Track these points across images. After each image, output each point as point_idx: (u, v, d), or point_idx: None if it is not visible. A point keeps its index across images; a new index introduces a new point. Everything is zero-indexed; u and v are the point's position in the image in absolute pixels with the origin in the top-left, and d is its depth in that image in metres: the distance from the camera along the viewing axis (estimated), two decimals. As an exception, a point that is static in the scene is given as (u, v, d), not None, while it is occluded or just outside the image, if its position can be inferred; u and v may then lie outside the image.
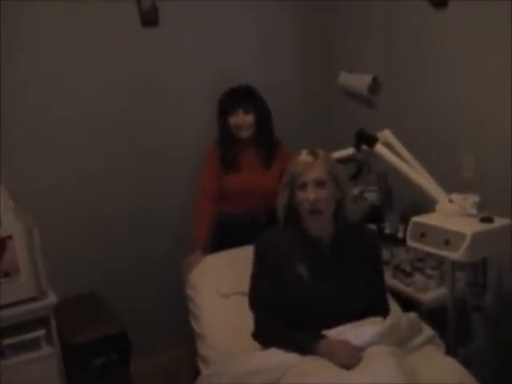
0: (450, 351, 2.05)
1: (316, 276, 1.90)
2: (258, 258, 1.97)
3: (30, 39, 2.58)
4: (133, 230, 2.93)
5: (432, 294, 2.33)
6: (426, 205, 2.22)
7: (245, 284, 2.00)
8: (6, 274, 2.11)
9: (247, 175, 2.67)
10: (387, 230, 2.68)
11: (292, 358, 1.79)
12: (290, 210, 1.95)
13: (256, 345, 1.95)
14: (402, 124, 2.61)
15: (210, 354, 2.16)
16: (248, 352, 1.92)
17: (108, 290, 2.74)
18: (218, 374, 1.90)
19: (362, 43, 3.00)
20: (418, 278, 2.39)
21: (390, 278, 2.43)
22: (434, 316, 2.21)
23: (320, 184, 1.87)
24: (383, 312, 1.96)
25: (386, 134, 2.36)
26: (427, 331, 1.96)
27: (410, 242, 2.11)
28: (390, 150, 2.29)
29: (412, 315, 1.96)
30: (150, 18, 2.80)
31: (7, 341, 2.15)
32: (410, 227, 2.11)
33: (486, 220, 1.99)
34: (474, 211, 2.04)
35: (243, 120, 2.65)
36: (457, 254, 1.92)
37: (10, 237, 2.11)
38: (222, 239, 2.67)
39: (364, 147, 2.34)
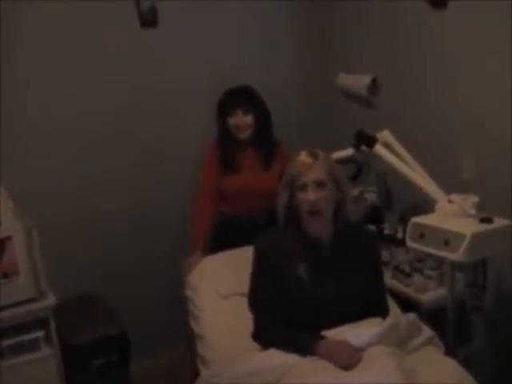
0: (450, 352, 2.05)
1: (316, 277, 1.90)
2: (257, 259, 1.97)
3: (30, 39, 2.59)
4: (133, 230, 2.93)
5: (431, 294, 2.33)
6: (425, 205, 2.22)
7: (244, 285, 2.00)
8: (6, 275, 2.12)
9: (246, 176, 2.67)
10: (387, 231, 2.68)
11: (292, 358, 1.79)
12: (289, 211, 1.95)
13: (256, 345, 1.94)
14: (401, 124, 2.61)
15: (210, 355, 2.16)
16: (248, 353, 1.92)
17: (108, 291, 2.74)
18: (218, 375, 1.90)
19: (361, 44, 3.00)
20: (417, 278, 2.39)
21: (389, 279, 2.43)
22: (434, 317, 2.21)
23: (320, 185, 1.87)
24: (383, 313, 1.96)
25: (385, 135, 2.36)
26: (426, 332, 1.96)
27: (410, 243, 2.12)
28: (390, 151, 2.29)
29: (411, 316, 1.96)
30: (148, 19, 2.80)
31: (6, 342, 2.15)
32: (409, 228, 2.11)
33: (486, 220, 1.99)
34: (473, 212, 2.04)
35: (242, 121, 2.65)
36: (456, 255, 1.92)
37: (9, 237, 2.11)
38: (222, 240, 2.67)
39: (363, 148, 2.34)
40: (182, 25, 2.89)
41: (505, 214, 2.08)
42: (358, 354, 1.74)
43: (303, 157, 1.91)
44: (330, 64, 3.21)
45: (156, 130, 2.93)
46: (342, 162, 2.31)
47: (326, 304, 1.87)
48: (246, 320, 1.98)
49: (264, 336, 1.92)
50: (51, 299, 2.20)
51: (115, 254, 2.88)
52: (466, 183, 2.40)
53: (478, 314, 2.28)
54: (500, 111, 2.30)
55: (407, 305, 2.28)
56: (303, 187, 1.87)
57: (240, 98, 2.67)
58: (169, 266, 2.87)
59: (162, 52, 2.88)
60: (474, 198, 2.06)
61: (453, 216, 2.05)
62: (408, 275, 2.41)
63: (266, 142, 2.71)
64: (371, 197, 2.78)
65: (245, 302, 1.99)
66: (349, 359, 1.73)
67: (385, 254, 2.49)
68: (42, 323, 2.21)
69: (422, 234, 2.05)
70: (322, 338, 1.81)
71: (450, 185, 2.23)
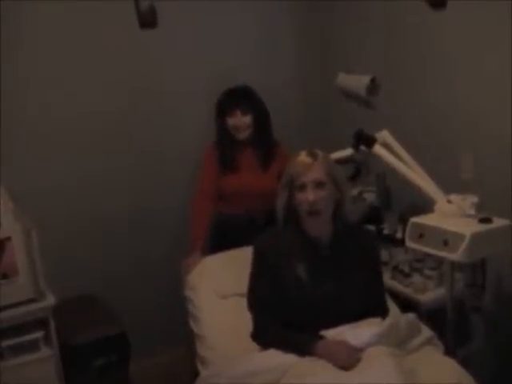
0: (449, 352, 2.05)
1: (315, 277, 1.90)
2: (256, 259, 1.97)
3: (30, 39, 2.59)
4: (132, 230, 2.93)
5: (431, 294, 2.33)
6: (424, 205, 2.22)
7: (243, 285, 2.00)
8: (5, 276, 2.11)
9: (245, 176, 2.67)
10: (386, 231, 2.68)
11: (291, 358, 1.79)
12: (288, 211, 1.95)
13: (255, 346, 1.94)
14: (400, 124, 2.60)
15: (209, 355, 2.16)
16: (247, 353, 1.92)
17: (107, 291, 2.74)
18: (217, 375, 1.90)
19: (361, 44, 3.00)
20: (416, 278, 2.39)
21: (388, 279, 2.43)
22: (433, 317, 2.21)
23: (319, 185, 1.87)
24: (382, 313, 1.96)
25: (384, 135, 2.36)
26: (426, 332, 1.96)
27: (409, 243, 2.11)
28: (389, 151, 2.29)
29: (411, 316, 1.96)
30: (147, 20, 2.79)
31: (6, 342, 2.15)
32: (408, 228, 2.11)
33: (485, 220, 1.99)
34: (472, 212, 2.04)
35: (241, 121, 2.65)
36: (455, 255, 1.92)
37: (8, 238, 2.11)
38: (221, 240, 2.67)
39: (363, 148, 2.34)
40: (181, 25, 2.89)
41: (504, 214, 2.08)
42: (358, 354, 1.75)
43: (302, 157, 1.91)
44: (330, 64, 3.21)
45: (155, 130, 2.93)
46: (341, 162, 2.31)
47: (325, 304, 1.87)
48: (245, 320, 1.98)
49: (263, 336, 1.92)
50: (51, 299, 2.20)
51: (115, 254, 2.88)
52: (465, 183, 2.40)
53: (478, 314, 2.28)
54: (499, 111, 2.30)
55: (406, 305, 2.27)
56: (302, 187, 1.87)
57: (239, 98, 2.67)
58: (168, 266, 2.87)
59: (161, 52, 2.88)
60: (473, 198, 2.06)
61: (452, 216, 2.05)
62: (407, 275, 2.41)
63: (265, 142, 2.71)
64: (370, 197, 2.78)
65: (244, 302, 1.99)
66: (348, 359, 1.73)
67: (384, 254, 2.50)
68: (41, 324, 2.21)
69: (422, 234, 2.05)
70: (321, 338, 1.81)
71: (449, 185, 2.23)
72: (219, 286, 2.39)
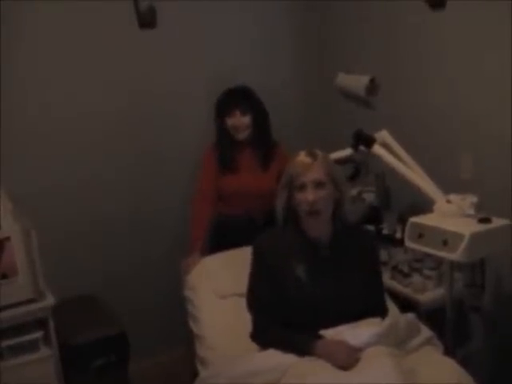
0: (449, 352, 2.05)
1: (314, 277, 1.90)
2: (256, 259, 1.97)
3: (30, 39, 2.59)
4: (132, 230, 2.94)
5: (430, 294, 2.33)
6: (424, 205, 2.22)
7: (243, 285, 2.00)
8: (4, 276, 2.11)
9: (245, 176, 2.67)
10: (385, 231, 2.67)
11: (291, 358, 1.79)
12: (288, 211, 1.95)
13: (254, 346, 1.94)
14: (399, 124, 2.61)
15: (209, 355, 2.16)
16: (247, 353, 1.92)
17: (107, 291, 2.74)
18: (217, 375, 1.90)
19: (360, 44, 3.00)
20: (416, 278, 2.39)
21: (388, 279, 2.43)
22: (432, 317, 2.21)
23: (319, 185, 1.87)
24: (381, 313, 1.96)
25: (383, 135, 2.36)
26: (425, 332, 1.96)
27: (408, 243, 2.12)
28: (388, 151, 2.29)
29: (410, 316, 1.96)
30: (147, 20, 2.80)
31: (5, 342, 2.15)
32: (407, 228, 2.11)
33: (484, 220, 1.99)
34: (472, 212, 2.04)
35: (240, 121, 2.65)
36: (455, 255, 1.92)
37: (7, 238, 2.11)
38: (220, 240, 2.67)
39: (362, 148, 2.34)
40: (180, 25, 2.89)
41: (503, 213, 2.08)
42: (357, 354, 1.75)
43: (302, 157, 1.91)
44: (329, 64, 3.21)
45: (155, 130, 2.93)
46: (341, 162, 2.31)
47: (324, 304, 1.87)
48: (244, 320, 1.98)
49: (262, 336, 1.92)
50: (50, 300, 2.20)
51: (114, 254, 2.88)
52: (465, 183, 2.40)
53: (477, 313, 2.28)
54: (499, 111, 2.30)
55: (406, 305, 2.27)
56: (302, 187, 1.87)
57: (238, 98, 2.67)
58: (168, 267, 2.87)
59: (160, 52, 2.88)
60: (472, 198, 2.06)
61: (451, 216, 2.05)
62: (407, 275, 2.41)
63: (264, 143, 2.71)
64: (370, 197, 2.78)
65: (243, 302, 1.99)
66: (347, 359, 1.73)
67: (383, 254, 2.49)
68: (40, 324, 2.21)
69: (421, 234, 2.05)
70: (321, 337, 1.81)
71: (449, 185, 2.23)
72: (219, 286, 2.39)
